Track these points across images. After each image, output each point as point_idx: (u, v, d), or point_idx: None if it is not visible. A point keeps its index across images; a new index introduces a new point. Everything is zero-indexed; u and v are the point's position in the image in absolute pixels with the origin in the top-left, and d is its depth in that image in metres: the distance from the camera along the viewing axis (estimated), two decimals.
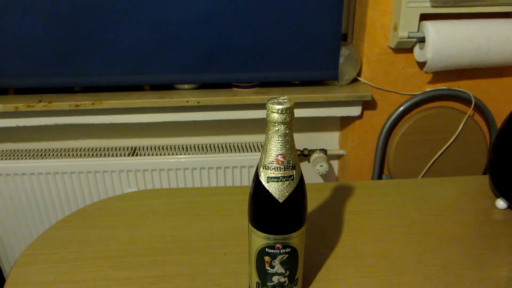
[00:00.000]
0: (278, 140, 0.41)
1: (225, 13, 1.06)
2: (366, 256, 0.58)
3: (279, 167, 0.42)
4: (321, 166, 1.29)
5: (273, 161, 0.42)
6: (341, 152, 1.37)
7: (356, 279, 0.54)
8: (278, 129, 0.41)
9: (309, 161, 1.35)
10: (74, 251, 0.58)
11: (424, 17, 1.10)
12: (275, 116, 0.40)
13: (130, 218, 0.66)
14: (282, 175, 0.42)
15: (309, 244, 0.59)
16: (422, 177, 1.29)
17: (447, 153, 1.27)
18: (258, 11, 1.07)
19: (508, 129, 0.65)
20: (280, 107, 0.40)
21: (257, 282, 0.48)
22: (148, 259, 0.57)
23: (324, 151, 1.34)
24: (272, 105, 0.40)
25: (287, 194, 0.43)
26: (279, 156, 0.42)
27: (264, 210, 0.45)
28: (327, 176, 1.44)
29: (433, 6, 1.08)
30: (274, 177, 0.42)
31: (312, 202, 0.69)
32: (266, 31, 1.09)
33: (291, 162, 0.42)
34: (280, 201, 0.43)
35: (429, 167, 1.28)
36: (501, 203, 0.68)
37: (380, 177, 1.33)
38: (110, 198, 0.71)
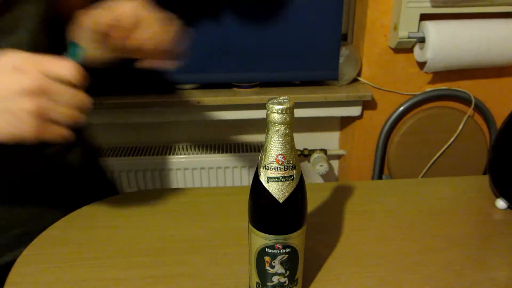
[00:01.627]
0: (278, 140, 0.41)
1: (225, 13, 1.06)
2: (366, 256, 0.58)
3: (279, 167, 0.42)
4: (321, 166, 1.29)
5: (273, 161, 0.42)
6: (341, 152, 1.37)
7: (356, 279, 0.54)
8: (278, 129, 0.41)
9: (309, 161, 1.35)
10: (74, 251, 0.58)
11: (424, 17, 1.10)
12: (275, 116, 0.40)
13: (130, 218, 0.66)
14: (282, 175, 0.42)
15: (309, 244, 0.59)
16: (422, 177, 1.29)
17: (447, 153, 1.27)
18: (258, 11, 1.07)
19: (508, 129, 0.65)
20: (280, 107, 0.40)
21: (257, 282, 0.48)
22: (148, 259, 0.57)
23: (324, 151, 1.34)
24: (272, 105, 0.40)
25: (287, 194, 0.43)
26: (279, 156, 0.42)
27: (264, 210, 0.45)
28: (327, 176, 1.44)
29: (433, 6, 1.08)
30: (274, 177, 0.42)
31: (312, 202, 0.69)
32: (266, 31, 1.09)
33: (291, 162, 0.42)
34: (280, 201, 0.43)
35: (429, 167, 1.28)
36: (501, 203, 0.67)
37: (380, 177, 1.33)
38: (110, 198, 0.71)
